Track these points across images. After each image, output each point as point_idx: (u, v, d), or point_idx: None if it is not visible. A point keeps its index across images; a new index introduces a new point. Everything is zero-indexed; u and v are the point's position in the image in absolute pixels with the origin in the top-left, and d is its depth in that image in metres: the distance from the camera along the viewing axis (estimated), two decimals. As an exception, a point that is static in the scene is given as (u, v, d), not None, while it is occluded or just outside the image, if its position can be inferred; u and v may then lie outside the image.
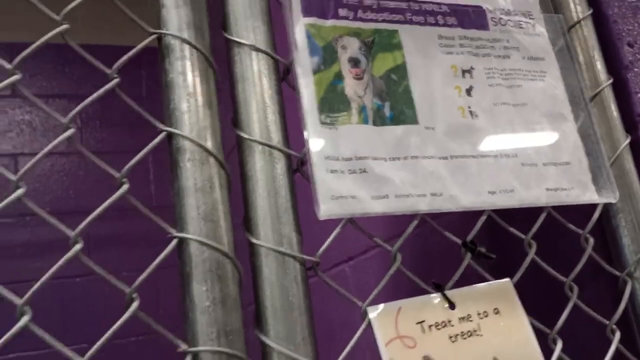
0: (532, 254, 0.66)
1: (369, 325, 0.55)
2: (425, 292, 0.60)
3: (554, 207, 0.69)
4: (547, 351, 0.60)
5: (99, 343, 0.45)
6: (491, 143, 0.67)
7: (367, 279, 1.32)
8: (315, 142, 0.58)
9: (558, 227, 0.69)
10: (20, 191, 0.47)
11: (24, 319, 0.44)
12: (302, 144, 0.58)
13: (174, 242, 0.51)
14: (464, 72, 0.70)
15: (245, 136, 0.57)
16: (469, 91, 0.69)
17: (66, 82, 2.30)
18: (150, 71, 2.26)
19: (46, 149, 0.49)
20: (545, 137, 0.70)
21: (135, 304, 0.48)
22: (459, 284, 0.61)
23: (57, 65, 2.30)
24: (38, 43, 0.51)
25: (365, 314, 0.55)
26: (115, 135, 2.23)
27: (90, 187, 2.16)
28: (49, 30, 0.52)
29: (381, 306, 0.55)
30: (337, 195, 0.57)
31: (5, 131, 2.22)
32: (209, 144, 0.55)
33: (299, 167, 0.59)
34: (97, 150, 2.23)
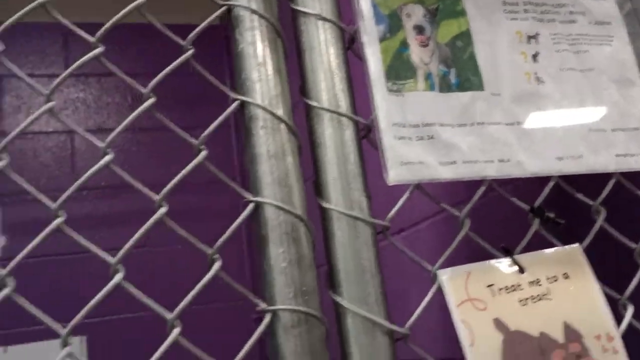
0: (600, 221, 0.65)
1: (439, 288, 0.56)
2: (489, 259, 0.60)
3: (622, 173, 0.67)
4: (617, 317, 0.60)
5: (187, 299, 0.48)
6: (558, 109, 0.66)
7: (419, 250, 1.33)
8: (383, 109, 0.59)
9: (626, 193, 0.68)
10: (108, 157, 0.50)
11: (118, 276, 0.47)
12: (369, 111, 0.59)
13: (251, 206, 0.53)
14: (529, 37, 0.69)
15: (314, 104, 0.59)
16: (534, 57, 0.68)
17: (119, 62, 2.35)
18: (198, 52, 2.28)
19: (131, 117, 0.51)
20: (613, 103, 0.69)
21: (217, 264, 0.50)
22: (523, 252, 0.61)
23: (109, 45, 2.36)
24: (119, 16, 0.54)
25: (435, 277, 0.56)
26: (173, 113, 2.27)
27: (142, 162, 2.22)
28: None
29: (450, 270, 0.56)
30: (406, 161, 0.57)
31: (61, 109, 2.30)
32: (280, 112, 0.56)
33: (366, 134, 0.60)
34: (153, 127, 2.28)
